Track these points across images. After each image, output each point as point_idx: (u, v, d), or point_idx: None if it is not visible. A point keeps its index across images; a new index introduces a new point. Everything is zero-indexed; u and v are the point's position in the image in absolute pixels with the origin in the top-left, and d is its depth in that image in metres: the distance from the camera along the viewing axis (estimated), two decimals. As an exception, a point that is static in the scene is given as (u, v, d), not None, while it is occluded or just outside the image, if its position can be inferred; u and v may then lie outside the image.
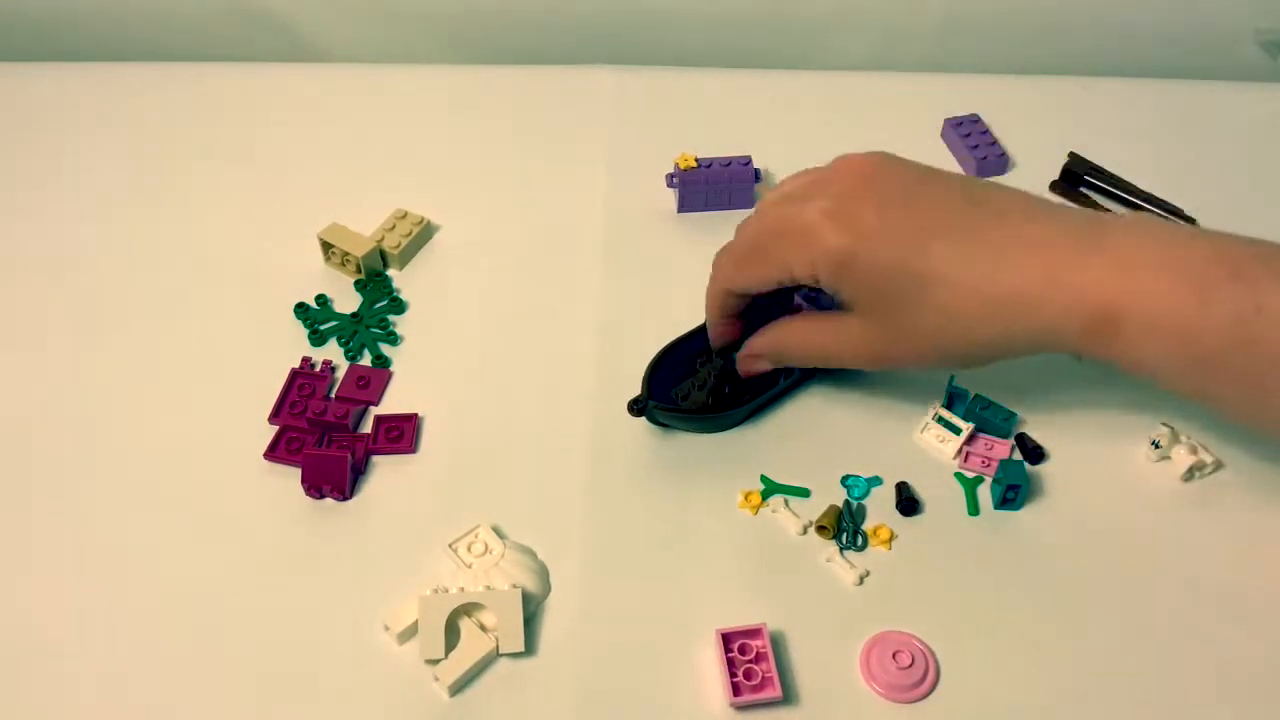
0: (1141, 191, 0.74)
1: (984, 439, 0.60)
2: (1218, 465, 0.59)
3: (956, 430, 0.60)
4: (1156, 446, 0.59)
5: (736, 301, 0.58)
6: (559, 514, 0.58)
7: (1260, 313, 0.48)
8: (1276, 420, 0.51)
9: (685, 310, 0.63)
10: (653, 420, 0.61)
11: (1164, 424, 0.60)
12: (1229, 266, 0.49)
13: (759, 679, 0.51)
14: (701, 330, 0.63)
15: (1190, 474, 0.59)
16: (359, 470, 0.59)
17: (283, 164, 0.77)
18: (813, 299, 0.63)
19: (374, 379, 0.63)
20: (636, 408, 0.59)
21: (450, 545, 0.56)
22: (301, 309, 0.67)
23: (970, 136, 0.77)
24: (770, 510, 0.58)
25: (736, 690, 0.50)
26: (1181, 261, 0.49)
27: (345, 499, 0.58)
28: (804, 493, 0.59)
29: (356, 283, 0.69)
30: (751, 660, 0.51)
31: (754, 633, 0.52)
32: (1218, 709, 0.52)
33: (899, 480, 0.59)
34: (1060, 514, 0.58)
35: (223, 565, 0.56)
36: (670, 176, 0.73)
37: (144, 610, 0.55)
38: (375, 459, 0.60)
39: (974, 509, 0.58)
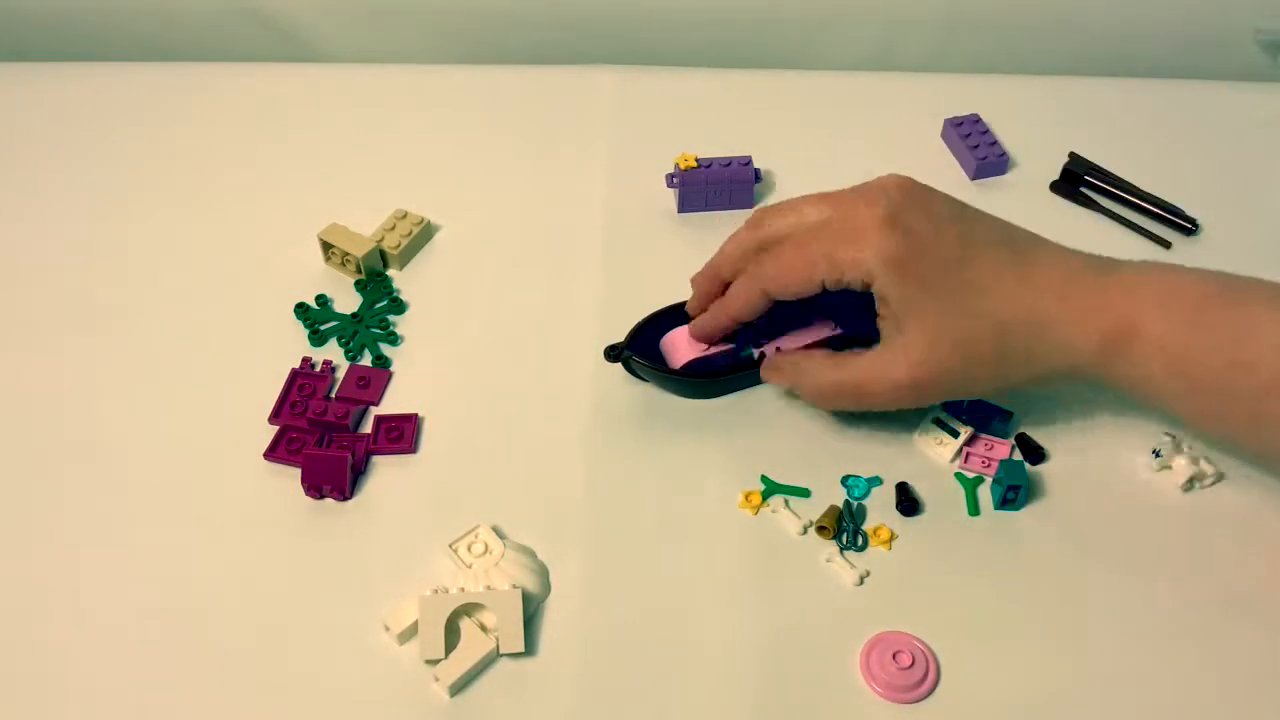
0: (1141, 191, 0.74)
1: (984, 439, 0.60)
2: (1219, 477, 0.59)
3: (955, 433, 0.60)
4: (1158, 455, 0.59)
5: (766, 305, 0.58)
6: (559, 514, 0.58)
7: (1254, 335, 0.50)
8: (1273, 447, 0.53)
9: (685, 310, 0.63)
10: (629, 370, 0.62)
11: (1166, 433, 0.59)
12: (1227, 294, 0.52)
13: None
14: None
15: (1190, 484, 0.59)
16: (359, 470, 0.59)
17: (283, 164, 0.77)
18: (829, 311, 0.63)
19: (374, 379, 0.63)
20: (612, 354, 0.60)
21: (450, 545, 0.56)
22: (301, 309, 0.67)
23: (970, 136, 0.77)
24: (770, 510, 0.58)
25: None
26: (1181, 286, 0.53)
27: (345, 499, 0.58)
28: (804, 493, 0.59)
29: (357, 283, 0.69)
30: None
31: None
32: (1217, 710, 0.52)
33: (899, 480, 0.59)
34: (1061, 515, 0.58)
35: (223, 565, 0.56)
36: (670, 176, 0.73)
37: (144, 610, 0.55)
38: (375, 459, 0.60)
39: (974, 509, 0.58)
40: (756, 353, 0.63)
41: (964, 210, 0.57)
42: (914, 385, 0.55)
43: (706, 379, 0.62)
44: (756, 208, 0.59)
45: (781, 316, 0.63)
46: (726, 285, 0.60)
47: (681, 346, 0.62)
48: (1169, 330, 0.52)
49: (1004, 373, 0.56)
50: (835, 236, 0.55)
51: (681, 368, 0.61)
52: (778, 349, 0.62)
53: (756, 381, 0.63)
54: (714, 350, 0.61)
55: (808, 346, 0.62)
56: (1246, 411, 0.52)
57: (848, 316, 0.63)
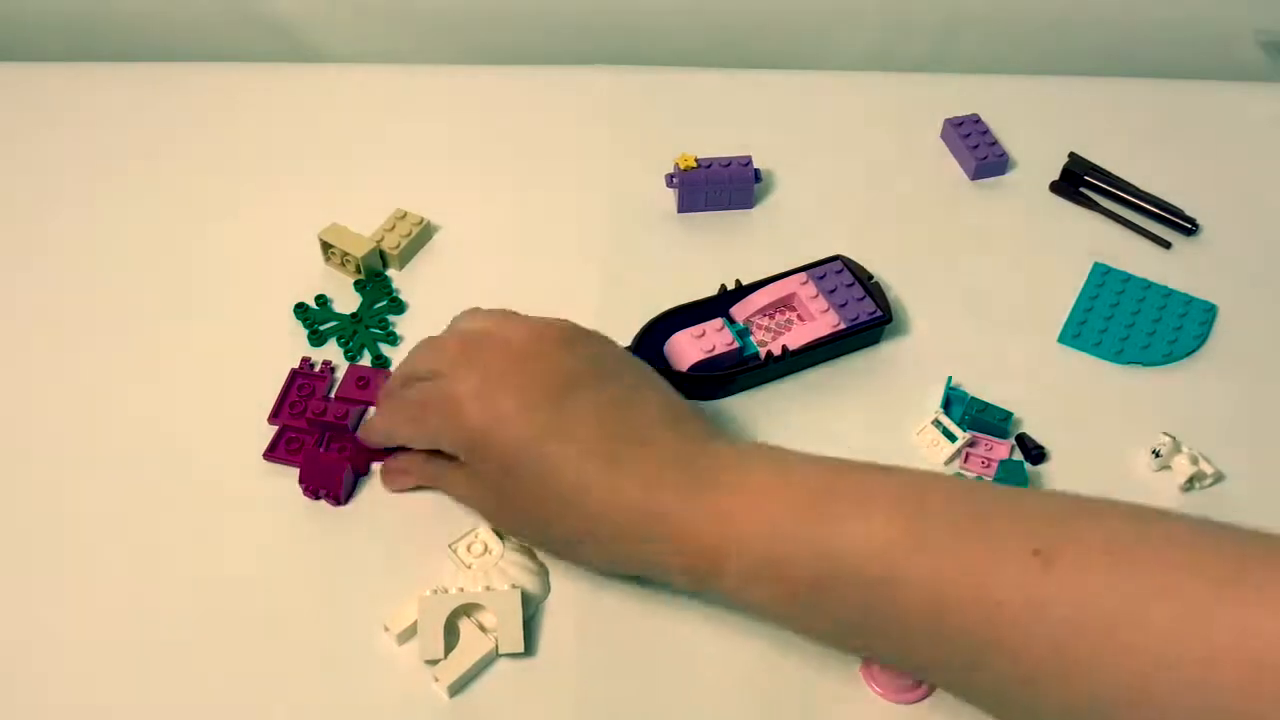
0: (1141, 191, 0.74)
1: (984, 440, 0.60)
2: (1218, 477, 0.59)
3: (952, 437, 0.60)
4: (1157, 455, 0.59)
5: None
6: (559, 514, 0.58)
7: (833, 546, 0.45)
8: (874, 652, 0.50)
9: (685, 310, 0.63)
10: None
11: (1166, 434, 0.59)
12: (817, 510, 0.47)
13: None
14: (713, 300, 0.64)
15: (1190, 484, 0.59)
16: (360, 472, 0.59)
17: (283, 164, 0.77)
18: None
19: (374, 379, 0.63)
20: None
21: (450, 545, 0.56)
22: (301, 309, 0.67)
23: (970, 136, 0.77)
24: (770, 510, 0.58)
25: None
26: (773, 503, 0.47)
27: (339, 504, 0.58)
28: (804, 493, 0.59)
29: (356, 283, 0.69)
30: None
31: None
32: (1217, 709, 0.52)
33: (899, 480, 0.59)
34: (1060, 514, 0.58)
35: (222, 565, 0.56)
36: (670, 176, 0.73)
37: (144, 610, 0.55)
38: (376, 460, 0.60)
39: (974, 509, 0.58)
40: (763, 351, 0.63)
41: (571, 386, 0.52)
42: (487, 516, 0.56)
43: (715, 379, 0.62)
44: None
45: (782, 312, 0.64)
46: None
47: (687, 348, 0.62)
48: (767, 556, 0.47)
49: (567, 555, 0.54)
50: (436, 410, 0.53)
51: (688, 369, 0.61)
52: (784, 346, 0.62)
53: (763, 380, 0.63)
54: (719, 350, 0.61)
55: (812, 343, 0.63)
56: (831, 622, 0.48)
57: (854, 310, 0.64)
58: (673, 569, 0.50)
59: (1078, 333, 0.66)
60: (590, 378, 0.53)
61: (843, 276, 0.66)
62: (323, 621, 0.54)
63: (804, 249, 0.68)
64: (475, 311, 0.58)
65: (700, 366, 0.61)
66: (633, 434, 0.51)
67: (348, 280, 0.69)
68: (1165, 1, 0.86)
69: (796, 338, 0.63)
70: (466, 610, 0.53)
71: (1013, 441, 0.61)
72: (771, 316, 0.65)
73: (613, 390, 0.53)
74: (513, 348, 0.53)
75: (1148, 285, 0.68)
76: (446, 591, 0.53)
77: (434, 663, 0.52)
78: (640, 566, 0.52)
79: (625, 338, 0.62)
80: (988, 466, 0.59)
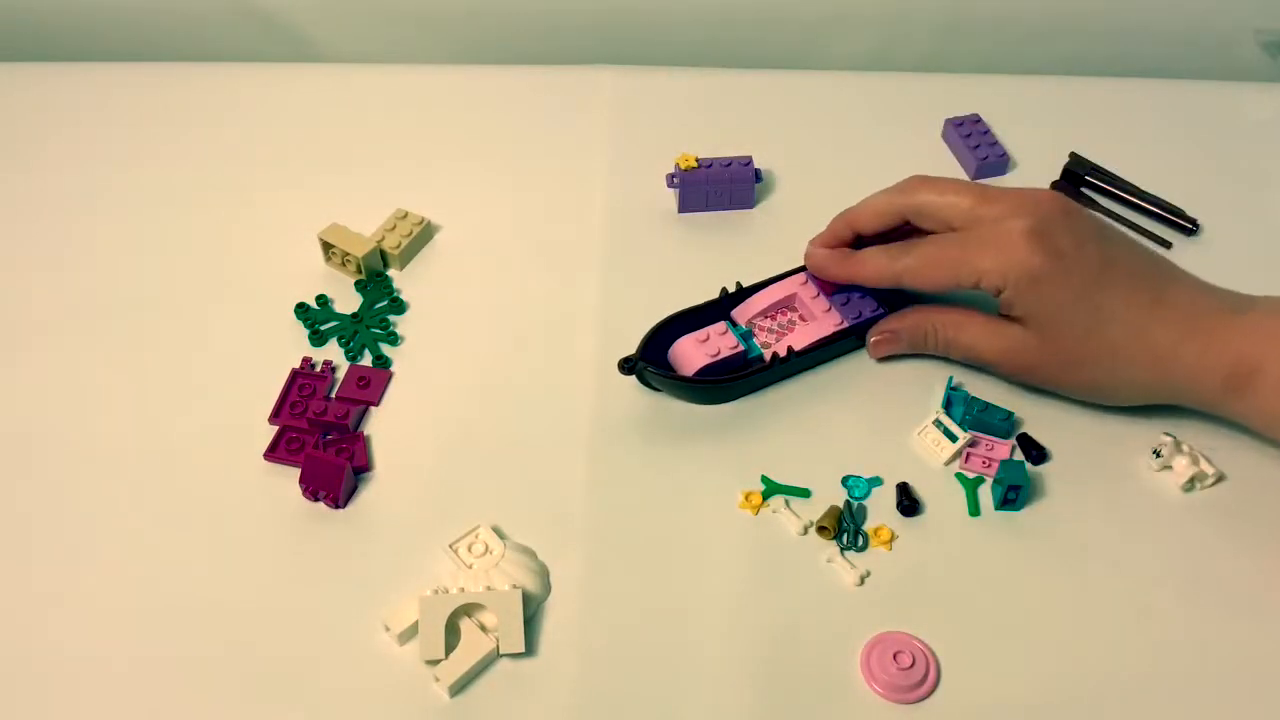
0: (1142, 192, 0.74)
1: (985, 440, 0.60)
2: (1219, 477, 0.59)
3: (953, 437, 0.60)
4: (1158, 455, 0.59)
5: (893, 286, 0.61)
6: (559, 514, 0.58)
7: None
8: None
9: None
10: (643, 382, 0.62)
11: (1166, 434, 0.59)
12: None
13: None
14: (715, 304, 0.64)
15: (1191, 484, 0.59)
16: (361, 470, 0.59)
17: (283, 164, 0.77)
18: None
19: (374, 379, 0.63)
20: (626, 366, 0.60)
21: (450, 546, 0.56)
22: (302, 309, 0.67)
23: (971, 136, 0.77)
24: (771, 510, 0.58)
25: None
26: None
27: (337, 507, 0.58)
28: (805, 493, 0.59)
29: (357, 283, 0.69)
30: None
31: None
32: (1217, 709, 0.52)
33: (900, 481, 0.59)
34: (1061, 515, 0.58)
35: (223, 565, 0.56)
36: (670, 176, 0.73)
37: (144, 610, 0.55)
38: (376, 461, 0.60)
39: (975, 510, 0.58)
40: (767, 353, 0.62)
41: (1107, 231, 0.58)
42: (1019, 368, 0.60)
43: (722, 383, 0.62)
44: (912, 175, 0.62)
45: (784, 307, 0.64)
46: (856, 235, 0.63)
47: (692, 353, 0.61)
48: None
49: (1111, 387, 0.59)
50: (980, 242, 0.57)
51: (695, 374, 0.61)
52: (789, 347, 0.62)
53: (770, 381, 0.63)
54: (724, 353, 0.61)
55: (816, 342, 0.63)
56: None
57: (856, 308, 0.64)
58: (1209, 381, 0.56)
59: (1078, 333, 0.66)
60: (1108, 224, 0.59)
61: None
62: (323, 620, 0.54)
63: (805, 249, 0.68)
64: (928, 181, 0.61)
65: (706, 371, 0.61)
66: (1162, 269, 0.57)
67: (348, 280, 0.69)
68: (1165, 1, 0.86)
69: (800, 338, 0.63)
70: (467, 610, 0.53)
71: (1014, 441, 0.61)
72: (773, 318, 0.65)
73: (1125, 235, 0.59)
74: (1050, 202, 0.57)
75: (1148, 285, 0.68)
76: (447, 591, 0.53)
77: (434, 663, 0.52)
78: (1177, 391, 0.58)
79: (627, 337, 0.62)
80: (989, 466, 0.59)
